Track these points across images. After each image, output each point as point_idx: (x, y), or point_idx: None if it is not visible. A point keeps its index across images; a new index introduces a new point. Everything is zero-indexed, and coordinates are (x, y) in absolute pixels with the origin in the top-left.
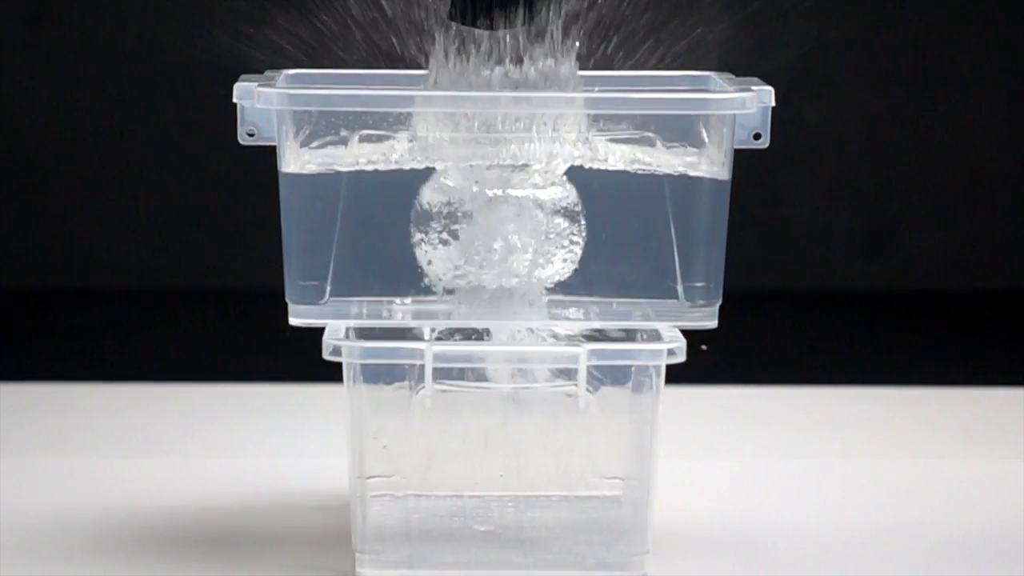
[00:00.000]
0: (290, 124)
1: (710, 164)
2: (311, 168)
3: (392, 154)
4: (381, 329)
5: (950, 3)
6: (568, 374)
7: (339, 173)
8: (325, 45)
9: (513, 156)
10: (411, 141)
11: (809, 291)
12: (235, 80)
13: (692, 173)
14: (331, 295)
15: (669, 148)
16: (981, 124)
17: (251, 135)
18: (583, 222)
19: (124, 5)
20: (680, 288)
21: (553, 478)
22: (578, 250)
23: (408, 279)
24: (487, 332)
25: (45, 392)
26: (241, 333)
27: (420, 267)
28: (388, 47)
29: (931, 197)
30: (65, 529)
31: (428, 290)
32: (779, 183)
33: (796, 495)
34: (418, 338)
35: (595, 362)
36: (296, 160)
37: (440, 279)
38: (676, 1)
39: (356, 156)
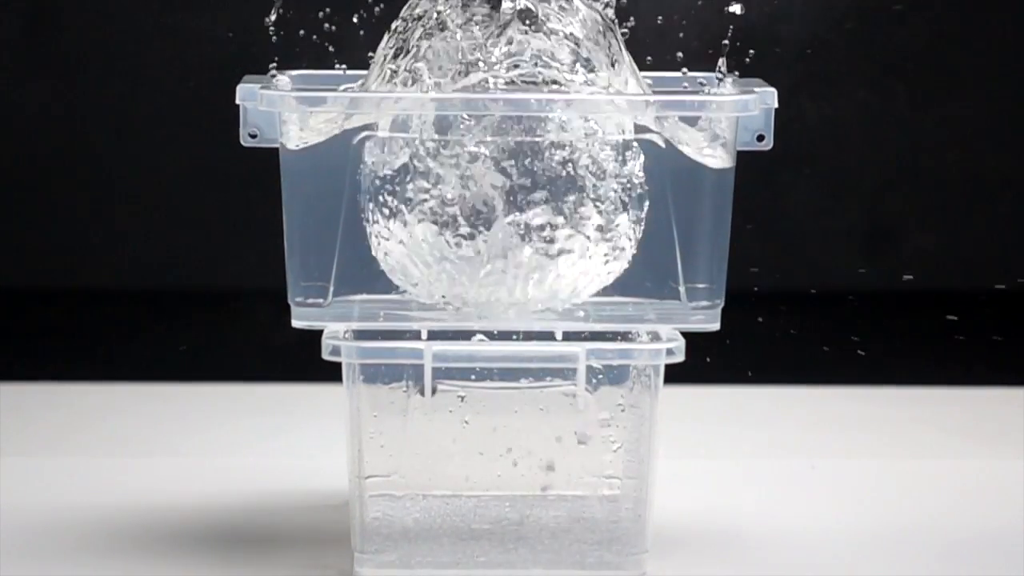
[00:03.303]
0: (293, 120)
1: (713, 166)
2: (314, 140)
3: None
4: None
5: (950, 3)
6: (567, 374)
7: (341, 169)
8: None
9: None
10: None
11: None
12: (237, 80)
13: (695, 167)
14: (334, 296)
15: (672, 149)
16: (981, 124)
17: (253, 136)
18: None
19: (124, 4)
20: (682, 289)
21: (552, 477)
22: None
23: None
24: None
25: (45, 392)
26: (241, 333)
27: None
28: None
29: (931, 197)
30: (65, 529)
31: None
32: (779, 183)
33: (795, 495)
34: (417, 338)
35: (594, 362)
36: (298, 141)
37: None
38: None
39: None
